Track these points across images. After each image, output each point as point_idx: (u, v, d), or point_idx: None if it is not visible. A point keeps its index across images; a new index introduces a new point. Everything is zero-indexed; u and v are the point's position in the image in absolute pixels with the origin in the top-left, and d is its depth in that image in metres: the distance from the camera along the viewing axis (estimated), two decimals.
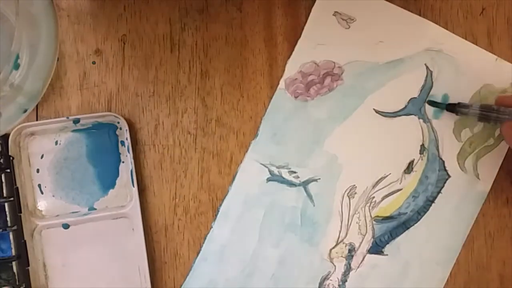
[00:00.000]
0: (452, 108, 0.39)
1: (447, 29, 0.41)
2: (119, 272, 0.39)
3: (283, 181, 0.40)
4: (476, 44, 0.41)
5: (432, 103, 0.40)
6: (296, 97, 0.40)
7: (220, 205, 0.40)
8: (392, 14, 0.40)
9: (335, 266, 0.40)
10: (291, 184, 0.40)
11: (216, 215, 0.40)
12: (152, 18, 0.40)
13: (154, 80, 0.40)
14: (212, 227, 0.40)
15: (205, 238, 0.40)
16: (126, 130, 0.38)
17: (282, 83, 0.40)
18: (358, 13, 0.40)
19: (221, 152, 0.40)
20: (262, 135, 0.40)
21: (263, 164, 0.40)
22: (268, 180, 0.40)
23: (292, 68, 0.40)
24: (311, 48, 0.40)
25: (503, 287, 0.41)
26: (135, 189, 0.39)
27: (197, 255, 0.40)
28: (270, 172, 0.40)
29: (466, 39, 0.41)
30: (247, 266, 0.40)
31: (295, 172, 0.40)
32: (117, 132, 0.40)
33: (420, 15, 0.41)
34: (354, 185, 0.40)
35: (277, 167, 0.40)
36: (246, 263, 0.40)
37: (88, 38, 0.40)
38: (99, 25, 0.40)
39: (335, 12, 0.40)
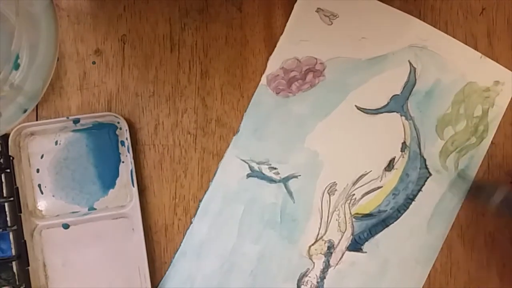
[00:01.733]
0: (475, 192, 0.39)
1: (447, 29, 0.41)
2: (119, 272, 0.39)
3: (263, 177, 0.40)
4: (476, 44, 0.41)
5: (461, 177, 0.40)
6: (277, 93, 0.40)
7: (201, 200, 0.40)
8: (375, 10, 0.40)
9: (314, 263, 0.40)
10: (271, 180, 0.40)
11: (196, 210, 0.40)
12: (152, 18, 0.40)
13: (154, 80, 0.40)
14: (192, 222, 0.40)
15: (185, 233, 0.40)
16: (126, 130, 0.38)
17: (264, 79, 0.40)
18: (341, 10, 0.40)
19: (221, 152, 0.40)
20: (244, 131, 0.40)
21: (243, 160, 0.40)
22: (248, 176, 0.40)
23: (274, 64, 0.40)
24: (293, 44, 0.40)
25: (503, 287, 0.41)
26: (135, 189, 0.39)
27: (177, 249, 0.40)
28: (250, 168, 0.40)
29: (466, 39, 0.41)
30: (226, 262, 0.40)
31: (275, 168, 0.40)
32: (117, 132, 0.40)
33: (420, 15, 0.41)
34: (335, 182, 0.40)
35: (258, 163, 0.40)
36: (224, 259, 0.40)
37: (88, 38, 0.40)
38: (99, 25, 0.40)
39: (318, 8, 0.40)
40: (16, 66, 0.33)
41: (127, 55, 0.40)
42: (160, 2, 0.40)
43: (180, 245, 0.40)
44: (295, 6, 0.40)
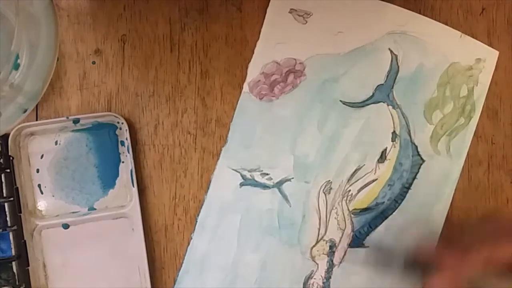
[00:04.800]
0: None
1: None
2: (119, 272, 0.39)
3: (256, 184, 0.40)
4: None
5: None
6: (261, 99, 0.40)
7: (197, 215, 0.40)
8: (348, 2, 0.40)
9: (317, 264, 0.40)
10: (264, 186, 0.40)
11: (194, 226, 0.40)
12: (152, 18, 0.40)
13: (154, 80, 0.40)
14: (191, 238, 0.39)
15: (186, 250, 0.39)
16: (126, 130, 0.38)
17: (246, 87, 0.40)
18: (314, 7, 0.40)
19: (221, 152, 0.40)
20: (232, 141, 0.40)
21: (235, 170, 0.40)
22: (242, 185, 0.40)
23: (254, 70, 0.40)
24: (270, 48, 0.40)
25: None
26: (135, 189, 0.38)
27: (180, 268, 0.39)
28: (243, 176, 0.40)
29: None
30: (229, 274, 0.39)
31: (267, 174, 0.40)
32: (117, 132, 0.40)
33: (420, 14, 0.41)
34: (329, 180, 0.40)
35: (249, 171, 0.40)
36: (227, 271, 0.39)
37: (88, 38, 0.40)
38: (99, 25, 0.40)
39: (291, 9, 0.40)
40: (16, 66, 0.33)
41: (127, 55, 0.40)
42: (160, 2, 0.40)
43: (182, 263, 0.39)
44: (268, 10, 0.40)
